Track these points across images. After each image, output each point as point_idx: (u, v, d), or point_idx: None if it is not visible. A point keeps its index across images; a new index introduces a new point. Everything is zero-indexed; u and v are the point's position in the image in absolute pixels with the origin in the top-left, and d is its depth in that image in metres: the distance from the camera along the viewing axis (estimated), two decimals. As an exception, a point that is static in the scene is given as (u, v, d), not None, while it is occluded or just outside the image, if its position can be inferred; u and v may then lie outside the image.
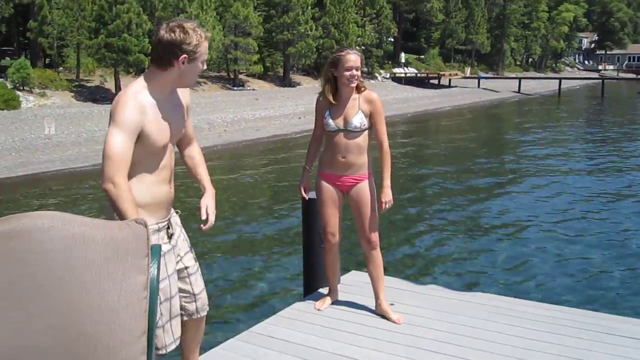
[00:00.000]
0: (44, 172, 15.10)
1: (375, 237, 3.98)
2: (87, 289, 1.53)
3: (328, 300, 4.25)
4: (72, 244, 1.53)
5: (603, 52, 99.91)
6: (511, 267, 8.11)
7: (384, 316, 4.01)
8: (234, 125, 24.31)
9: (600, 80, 55.45)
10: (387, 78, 49.44)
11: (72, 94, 27.66)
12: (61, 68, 29.89)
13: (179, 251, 2.85)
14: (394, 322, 3.93)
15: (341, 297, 4.32)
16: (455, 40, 61.06)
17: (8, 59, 29.02)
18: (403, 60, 53.82)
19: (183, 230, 2.94)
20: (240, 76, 37.43)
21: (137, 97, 2.56)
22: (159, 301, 2.57)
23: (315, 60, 40.90)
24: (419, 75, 52.30)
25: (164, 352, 2.76)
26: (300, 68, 43.35)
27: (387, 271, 4.26)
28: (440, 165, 17.59)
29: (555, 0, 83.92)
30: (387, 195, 3.90)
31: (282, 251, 8.92)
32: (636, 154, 18.72)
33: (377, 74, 48.81)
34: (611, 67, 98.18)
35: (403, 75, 50.37)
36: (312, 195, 4.19)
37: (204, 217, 2.84)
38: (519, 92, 50.19)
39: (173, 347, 2.81)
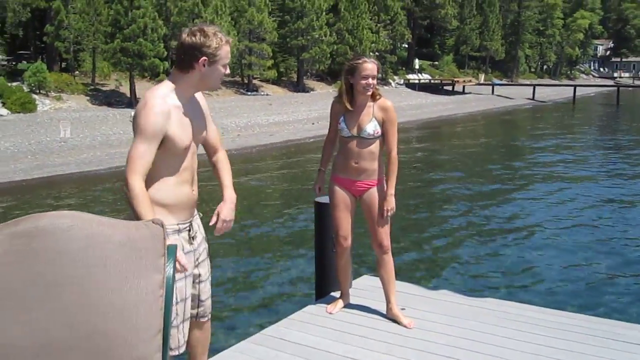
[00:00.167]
0: (59, 174, 15.24)
1: (386, 241, 4.01)
2: (105, 287, 1.56)
3: (340, 303, 4.27)
4: (91, 243, 1.56)
5: (618, 59, 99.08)
6: (520, 272, 8.16)
7: (395, 320, 4.03)
8: (248, 130, 24.41)
9: (616, 88, 54.90)
10: (400, 84, 49.33)
11: (88, 97, 27.91)
12: (77, 72, 30.13)
13: (199, 256, 2.91)
14: (405, 326, 3.95)
15: (353, 300, 4.35)
16: (469, 46, 60.73)
17: (25, 62, 29.29)
18: (417, 67, 53.63)
19: (205, 235, 2.99)
20: (254, 81, 37.53)
21: (164, 100, 2.63)
22: (175, 301, 2.62)
23: (329, 65, 40.92)
24: (432, 81, 52.17)
25: (177, 352, 2.79)
26: (314, 73, 43.33)
27: (398, 275, 4.27)
28: (452, 170, 17.58)
29: (570, 7, 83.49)
30: (390, 203, 3.94)
31: (294, 254, 8.96)
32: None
33: (390, 80, 48.72)
34: (627, 74, 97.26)
35: (417, 81, 50.18)
36: (325, 199, 4.22)
37: (212, 222, 2.88)
38: (533, 99, 49.82)
39: (183, 349, 2.85)
